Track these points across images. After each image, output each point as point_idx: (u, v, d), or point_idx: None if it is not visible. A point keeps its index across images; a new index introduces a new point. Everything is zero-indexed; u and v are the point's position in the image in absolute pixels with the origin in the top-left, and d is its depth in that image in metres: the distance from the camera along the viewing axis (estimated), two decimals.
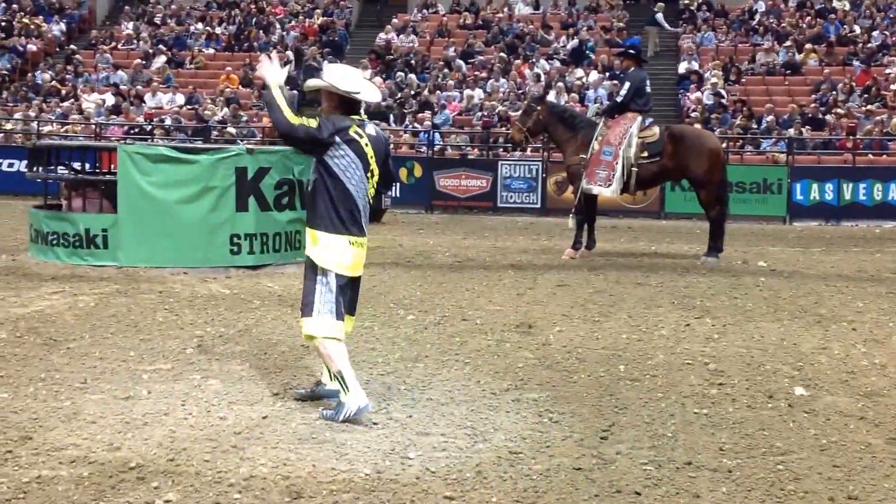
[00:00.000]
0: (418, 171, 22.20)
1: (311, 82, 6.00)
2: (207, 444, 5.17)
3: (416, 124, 24.75)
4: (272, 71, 5.75)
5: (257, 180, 11.47)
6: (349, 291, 5.87)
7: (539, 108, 13.93)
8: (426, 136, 23.94)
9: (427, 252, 14.04)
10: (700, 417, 5.96)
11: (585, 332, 8.46)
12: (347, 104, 5.79)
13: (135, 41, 30.29)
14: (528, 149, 21.90)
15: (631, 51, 14.37)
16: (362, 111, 6.02)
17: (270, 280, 10.84)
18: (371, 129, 5.82)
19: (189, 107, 26.28)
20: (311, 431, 5.47)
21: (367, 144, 5.73)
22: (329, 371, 5.86)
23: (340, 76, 5.83)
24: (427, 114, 24.84)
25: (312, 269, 5.74)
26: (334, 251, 5.69)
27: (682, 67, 26.88)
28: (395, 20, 30.32)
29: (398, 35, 29.34)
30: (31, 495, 4.43)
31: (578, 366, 7.21)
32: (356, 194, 5.71)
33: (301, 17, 30.90)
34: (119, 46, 30.07)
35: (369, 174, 5.78)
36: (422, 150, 23.88)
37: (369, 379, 6.64)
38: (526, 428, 5.65)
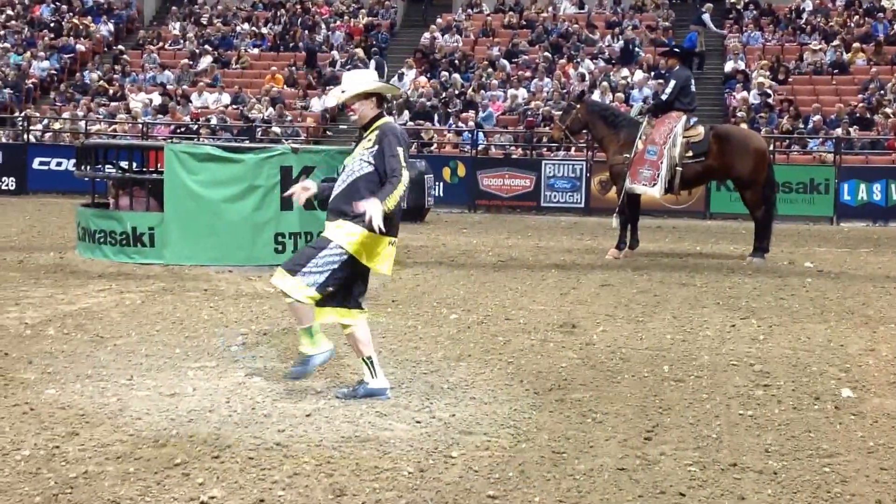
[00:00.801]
0: (462, 171, 22.21)
1: (343, 97, 6.19)
2: (252, 441, 5.20)
3: (459, 124, 24.75)
4: (375, 210, 5.77)
5: (302, 179, 11.52)
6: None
7: (578, 106, 13.87)
8: (470, 135, 23.93)
9: (470, 251, 14.03)
10: (745, 419, 5.89)
11: (629, 332, 8.41)
12: (381, 101, 6.19)
13: (181, 41, 30.57)
14: (573, 148, 21.83)
15: (676, 49, 14.26)
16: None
17: None
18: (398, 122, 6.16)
19: (234, 106, 26.49)
20: (354, 430, 5.47)
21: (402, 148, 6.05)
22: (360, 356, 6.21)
23: (368, 79, 6.23)
24: (471, 113, 24.83)
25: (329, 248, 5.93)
26: (376, 250, 5.98)
27: (729, 67, 26.64)
28: (439, 20, 30.34)
29: (443, 35, 29.36)
30: (77, 490, 4.48)
31: (622, 366, 7.16)
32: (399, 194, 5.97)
33: (346, 17, 31.01)
34: (166, 46, 30.37)
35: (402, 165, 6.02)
36: (465, 149, 23.87)
37: (412, 377, 6.65)
38: (569, 428, 5.62)
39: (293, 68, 28.03)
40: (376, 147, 5.96)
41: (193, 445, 5.12)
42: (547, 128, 22.99)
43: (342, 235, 5.91)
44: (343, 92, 6.15)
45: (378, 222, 5.75)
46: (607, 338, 8.13)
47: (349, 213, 5.90)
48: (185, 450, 5.05)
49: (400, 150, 5.94)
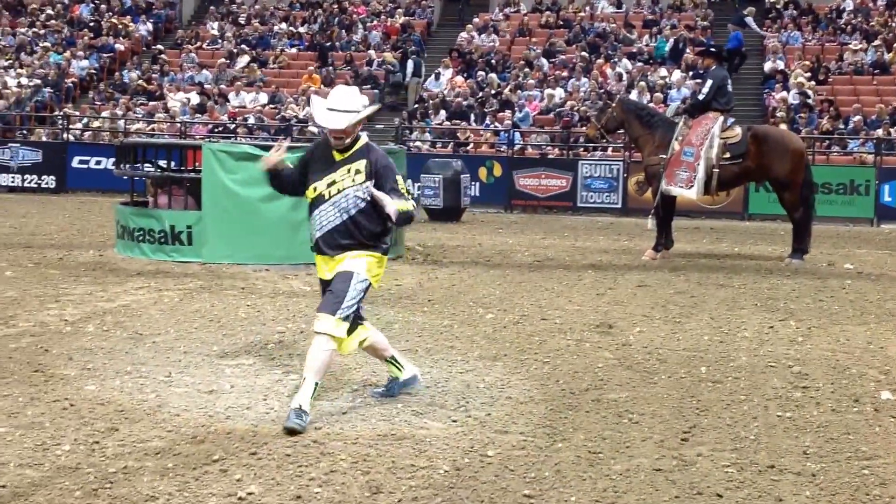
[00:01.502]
0: (498, 171, 22.17)
1: (357, 118, 5.79)
2: (288, 438, 5.22)
3: (496, 123, 24.72)
4: (389, 204, 5.66)
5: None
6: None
7: (613, 105, 13.80)
8: (506, 135, 23.90)
9: (506, 251, 14.01)
10: (783, 420, 5.85)
11: (666, 332, 8.36)
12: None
13: (219, 41, 30.75)
14: (609, 148, 21.73)
15: (712, 49, 14.16)
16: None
17: None
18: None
19: (272, 106, 26.62)
20: (390, 427, 5.49)
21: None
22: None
23: (360, 102, 5.82)
24: (507, 113, 24.79)
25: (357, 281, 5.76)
26: (382, 272, 6.03)
27: (768, 67, 26.40)
28: (476, 19, 30.31)
29: (479, 34, 29.33)
30: (117, 485, 4.51)
31: (659, 367, 7.13)
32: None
33: (383, 17, 31.06)
34: (204, 46, 30.54)
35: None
36: (501, 149, 23.84)
37: (449, 377, 6.65)
38: (606, 428, 5.60)
39: (330, 68, 28.12)
40: (371, 181, 5.70)
41: (231, 442, 5.15)
42: (584, 128, 22.90)
43: (362, 264, 5.74)
44: (348, 112, 5.70)
45: (394, 215, 5.67)
46: (644, 338, 8.09)
47: (354, 245, 5.75)
48: (223, 446, 5.08)
49: (399, 179, 5.79)
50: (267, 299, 9.52)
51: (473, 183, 21.07)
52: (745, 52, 26.79)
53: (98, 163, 23.43)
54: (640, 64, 26.64)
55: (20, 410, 5.64)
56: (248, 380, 6.47)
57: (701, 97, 13.42)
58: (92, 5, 32.75)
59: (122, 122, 26.20)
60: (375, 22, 30.78)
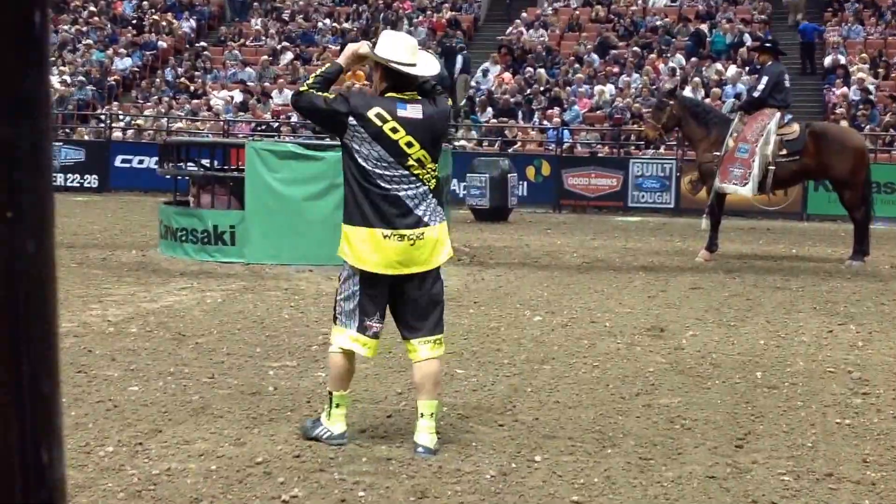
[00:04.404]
0: (546, 170, 21.98)
1: (364, 49, 5.30)
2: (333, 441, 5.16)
3: (544, 121, 24.54)
4: (346, 51, 5.31)
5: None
6: (384, 295, 5.13)
7: (672, 102, 13.57)
8: (555, 133, 23.72)
9: (555, 252, 13.86)
10: (842, 427, 5.68)
11: (720, 336, 8.17)
12: (396, 78, 5.09)
13: (263, 38, 30.80)
14: (662, 147, 21.45)
15: (768, 44, 13.91)
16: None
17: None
18: (413, 110, 5.05)
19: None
20: (437, 431, 5.39)
21: (394, 129, 4.97)
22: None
23: (389, 45, 5.13)
24: (556, 110, 24.57)
25: (343, 274, 5.18)
26: (361, 246, 5.03)
27: (828, 61, 25.91)
28: (524, 14, 30.10)
29: (528, 29, 29.14)
30: (160, 487, 4.49)
31: (712, 371, 6.95)
32: (389, 185, 5.00)
33: (429, 12, 30.97)
34: (247, 43, 30.61)
35: (409, 161, 5.01)
36: (550, 147, 23.66)
37: (495, 380, 6.54)
38: (657, 434, 5.46)
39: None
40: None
41: (274, 445, 5.10)
42: (636, 125, 22.67)
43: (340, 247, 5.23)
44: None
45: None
46: (697, 342, 7.91)
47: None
48: (267, 449, 5.03)
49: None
50: (310, 300, 9.47)
51: (521, 182, 20.91)
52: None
53: (141, 162, 23.46)
54: (694, 59, 26.23)
55: (64, 411, 5.59)
56: (292, 381, 6.41)
57: (757, 94, 13.16)
58: (135, 2, 32.99)
59: (164, 121, 26.30)
60: (421, 17, 30.67)
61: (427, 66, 5.21)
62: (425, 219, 5.05)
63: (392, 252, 5.00)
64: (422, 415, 5.06)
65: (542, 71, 26.60)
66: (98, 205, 20.10)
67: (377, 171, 4.98)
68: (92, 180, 23.53)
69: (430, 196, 5.10)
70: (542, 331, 8.25)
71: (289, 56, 29.21)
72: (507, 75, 26.72)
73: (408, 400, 6.01)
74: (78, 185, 23.41)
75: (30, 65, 1.10)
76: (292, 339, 7.71)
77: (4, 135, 1.07)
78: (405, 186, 5.01)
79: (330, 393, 5.20)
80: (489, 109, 25.25)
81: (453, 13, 30.70)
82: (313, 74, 5.21)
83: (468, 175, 19.09)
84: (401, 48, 5.10)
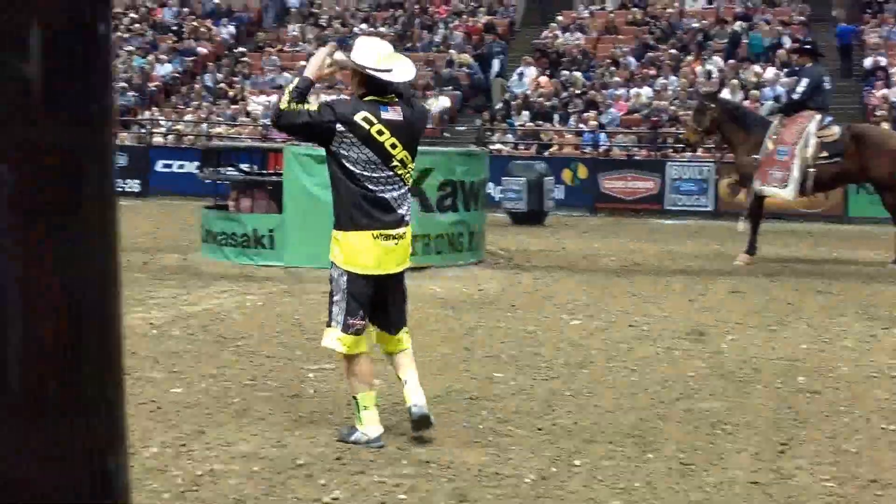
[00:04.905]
0: (583, 173, 21.91)
1: (340, 56, 5.45)
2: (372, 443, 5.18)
3: (580, 124, 24.47)
4: (311, 63, 5.37)
5: (419, 181, 11.48)
6: (373, 295, 5.27)
7: (712, 105, 13.47)
8: (591, 136, 23.64)
9: (592, 256, 13.81)
10: (887, 433, 5.62)
11: (761, 341, 8.10)
12: (373, 84, 5.23)
13: (300, 43, 30.94)
14: (700, 149, 21.31)
15: (807, 46, 13.79)
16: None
17: (432, 282, 10.81)
18: (394, 112, 5.21)
19: None
20: (475, 434, 5.40)
21: (380, 132, 5.13)
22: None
23: (364, 51, 5.26)
24: (592, 113, 24.50)
25: (332, 276, 5.31)
26: (353, 249, 5.21)
27: (868, 63, 25.61)
28: (560, 17, 30.02)
29: (563, 32, 29.06)
30: (204, 488, 4.53)
31: (754, 376, 6.90)
32: (377, 186, 5.18)
33: (465, 17, 30.97)
34: (285, 48, 30.76)
35: (393, 162, 5.18)
36: (586, 150, 23.58)
37: (533, 384, 6.53)
38: (698, 439, 5.43)
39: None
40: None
41: (315, 447, 5.12)
42: (673, 128, 22.55)
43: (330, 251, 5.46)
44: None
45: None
46: (737, 347, 7.86)
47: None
48: (307, 451, 5.06)
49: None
50: None
51: (557, 185, 20.85)
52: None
53: (181, 166, 23.66)
54: (732, 61, 26.02)
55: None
56: (332, 384, 6.43)
57: (796, 96, 13.05)
58: (175, 9, 33.26)
59: (204, 126, 26.50)
60: (457, 22, 30.68)
61: (403, 71, 5.33)
62: (406, 218, 5.31)
63: (382, 252, 5.21)
64: (406, 381, 5.29)
65: (578, 74, 26.51)
66: (139, 209, 20.25)
67: (365, 173, 5.16)
68: (133, 185, 23.76)
69: (409, 196, 5.36)
70: (580, 335, 8.22)
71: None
72: (543, 78, 26.65)
73: (446, 403, 6.02)
74: (120, 189, 23.49)
75: (94, 74, 1.12)
76: None
77: (70, 142, 1.09)
78: (390, 187, 5.20)
79: (353, 397, 5.26)
80: (525, 113, 25.21)
81: (489, 17, 30.68)
82: (287, 91, 5.25)
83: (504, 178, 19.07)
84: (376, 54, 5.24)
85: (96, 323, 1.14)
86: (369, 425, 5.18)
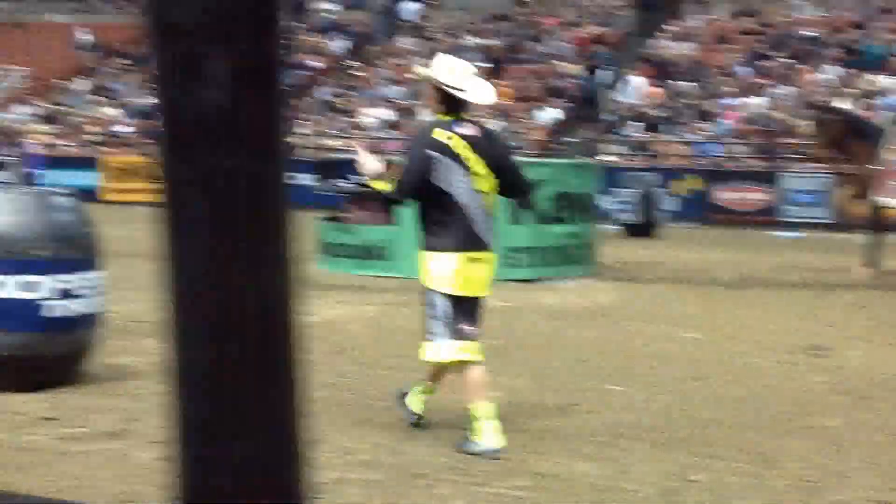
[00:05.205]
0: (695, 184, 21.63)
1: (420, 70, 5.59)
2: (492, 454, 5.20)
3: (692, 134, 24.15)
4: (368, 164, 5.54)
5: (533, 193, 11.50)
6: (470, 312, 5.37)
7: (832, 116, 13.17)
8: (703, 146, 23.30)
9: (706, 268, 13.60)
10: None
11: (884, 356, 7.89)
12: (450, 101, 5.32)
13: (411, 56, 31.19)
14: (816, 160, 20.81)
15: None
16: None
17: (545, 294, 10.81)
18: (468, 128, 5.31)
19: None
20: (593, 447, 5.39)
21: (457, 144, 5.23)
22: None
23: (446, 69, 5.34)
24: (704, 123, 24.15)
25: (427, 296, 5.37)
26: (443, 270, 5.26)
27: None
28: (670, 27, 29.68)
29: (675, 42, 28.72)
30: (327, 496, 4.60)
31: (877, 392, 6.73)
32: (465, 205, 5.25)
33: (573, 27, 30.84)
34: (396, 62, 31.06)
35: (473, 175, 5.26)
36: (699, 161, 23.25)
37: (649, 398, 6.49)
38: (820, 456, 5.33)
39: (521, 81, 28.17)
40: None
41: (435, 456, 5.17)
42: (790, 139, 22.08)
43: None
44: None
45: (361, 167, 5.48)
46: (859, 362, 7.67)
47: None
48: (428, 460, 5.11)
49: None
50: None
51: (669, 197, 20.63)
52: None
53: (297, 179, 24.08)
54: (846, 70, 25.37)
55: None
56: (449, 394, 6.47)
57: None
58: (287, 23, 33.93)
59: (317, 139, 26.91)
60: (566, 33, 30.59)
61: (480, 93, 5.40)
62: (487, 242, 5.33)
63: (473, 274, 5.29)
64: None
65: (689, 84, 26.19)
66: None
67: (454, 192, 5.22)
68: None
69: (490, 217, 5.38)
70: (696, 348, 8.13)
71: None
72: (654, 88, 26.41)
73: (569, 416, 6.02)
74: None
75: (274, 102, 1.20)
76: None
77: (254, 166, 1.17)
78: (477, 208, 5.28)
79: (467, 408, 5.32)
80: (635, 123, 25.00)
81: (598, 27, 30.51)
82: (380, 183, 5.43)
83: (615, 190, 18.96)
84: (455, 72, 5.32)
85: (281, 338, 1.21)
86: (486, 435, 5.22)
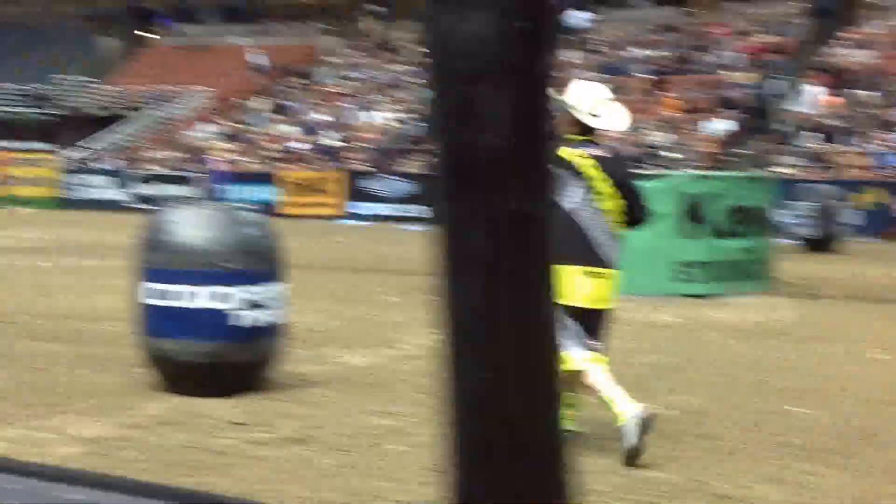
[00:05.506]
0: (876, 197, 20.76)
1: (555, 96, 5.67)
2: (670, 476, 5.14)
3: (866, 143, 23.17)
4: None
5: (706, 207, 11.28)
6: (590, 325, 5.43)
7: None
8: (885, 158, 22.34)
9: (890, 285, 13.03)
10: None
11: None
12: (582, 125, 5.45)
13: (575, 69, 31.03)
14: None
15: None
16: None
17: (720, 310, 10.55)
18: (596, 149, 5.43)
19: (629, 132, 26.54)
20: (773, 469, 5.24)
21: (583, 163, 5.34)
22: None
23: (577, 94, 5.48)
24: (886, 134, 23.16)
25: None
26: (563, 283, 5.30)
27: None
28: (846, 34, 28.60)
29: (851, 50, 27.67)
30: None
31: None
32: (585, 222, 5.36)
33: (745, 36, 30.06)
34: (560, 74, 30.95)
35: (596, 194, 5.37)
36: (881, 172, 22.29)
37: (836, 420, 6.26)
38: None
39: (689, 92, 27.68)
40: None
41: (611, 475, 5.12)
42: None
43: None
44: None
45: None
46: None
47: None
48: (604, 479, 5.04)
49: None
50: (634, 329, 9.39)
51: (850, 210, 19.85)
52: None
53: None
54: None
55: (412, 430, 5.89)
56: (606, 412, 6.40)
57: None
58: None
59: None
60: (736, 42, 29.87)
61: (614, 119, 5.52)
62: (605, 259, 5.40)
63: (591, 286, 5.34)
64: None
65: (868, 92, 25.18)
66: (424, 235, 20.97)
67: (575, 210, 5.31)
68: (419, 211, 24.57)
69: (613, 235, 5.46)
70: (886, 369, 7.79)
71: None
72: (831, 97, 25.50)
73: (750, 437, 5.86)
74: (404, 213, 24.66)
75: (547, 142, 1.26)
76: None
77: (529, 207, 1.23)
78: (598, 226, 5.38)
79: (601, 397, 5.36)
80: (812, 134, 24.19)
81: (770, 36, 29.68)
82: None
83: (792, 203, 18.36)
84: (589, 99, 5.45)
85: (543, 373, 1.27)
86: (625, 407, 5.21)
